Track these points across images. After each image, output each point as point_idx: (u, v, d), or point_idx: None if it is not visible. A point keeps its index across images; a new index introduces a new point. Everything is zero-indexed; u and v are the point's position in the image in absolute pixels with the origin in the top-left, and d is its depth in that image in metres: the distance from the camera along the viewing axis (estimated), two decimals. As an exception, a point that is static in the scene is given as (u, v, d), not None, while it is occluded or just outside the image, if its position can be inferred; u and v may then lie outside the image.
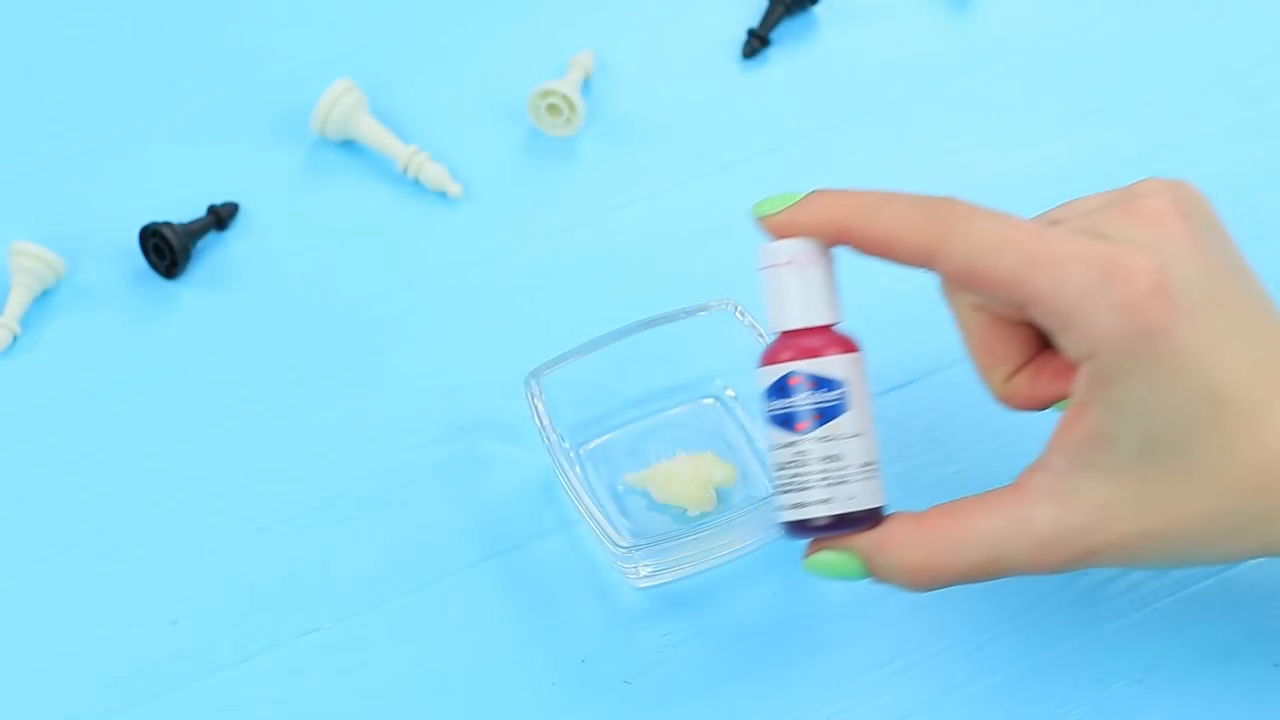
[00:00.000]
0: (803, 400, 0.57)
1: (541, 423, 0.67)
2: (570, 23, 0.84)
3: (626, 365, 0.69)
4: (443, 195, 0.79)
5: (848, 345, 0.58)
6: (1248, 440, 0.55)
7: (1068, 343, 0.56)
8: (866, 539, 0.58)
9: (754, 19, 0.83)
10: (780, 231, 0.58)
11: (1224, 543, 0.56)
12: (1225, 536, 0.56)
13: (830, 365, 0.57)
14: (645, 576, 0.66)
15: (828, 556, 0.58)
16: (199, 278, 0.77)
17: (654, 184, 0.79)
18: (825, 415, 0.57)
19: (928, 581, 0.57)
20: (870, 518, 0.57)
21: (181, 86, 0.83)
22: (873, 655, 0.65)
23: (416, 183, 0.79)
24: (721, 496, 0.68)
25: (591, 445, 0.70)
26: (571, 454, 0.69)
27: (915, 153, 0.80)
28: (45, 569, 0.69)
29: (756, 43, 0.82)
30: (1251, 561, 0.59)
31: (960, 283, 0.57)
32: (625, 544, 0.64)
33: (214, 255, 0.78)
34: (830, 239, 0.58)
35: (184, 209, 0.78)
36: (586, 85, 0.82)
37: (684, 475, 0.68)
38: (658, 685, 0.65)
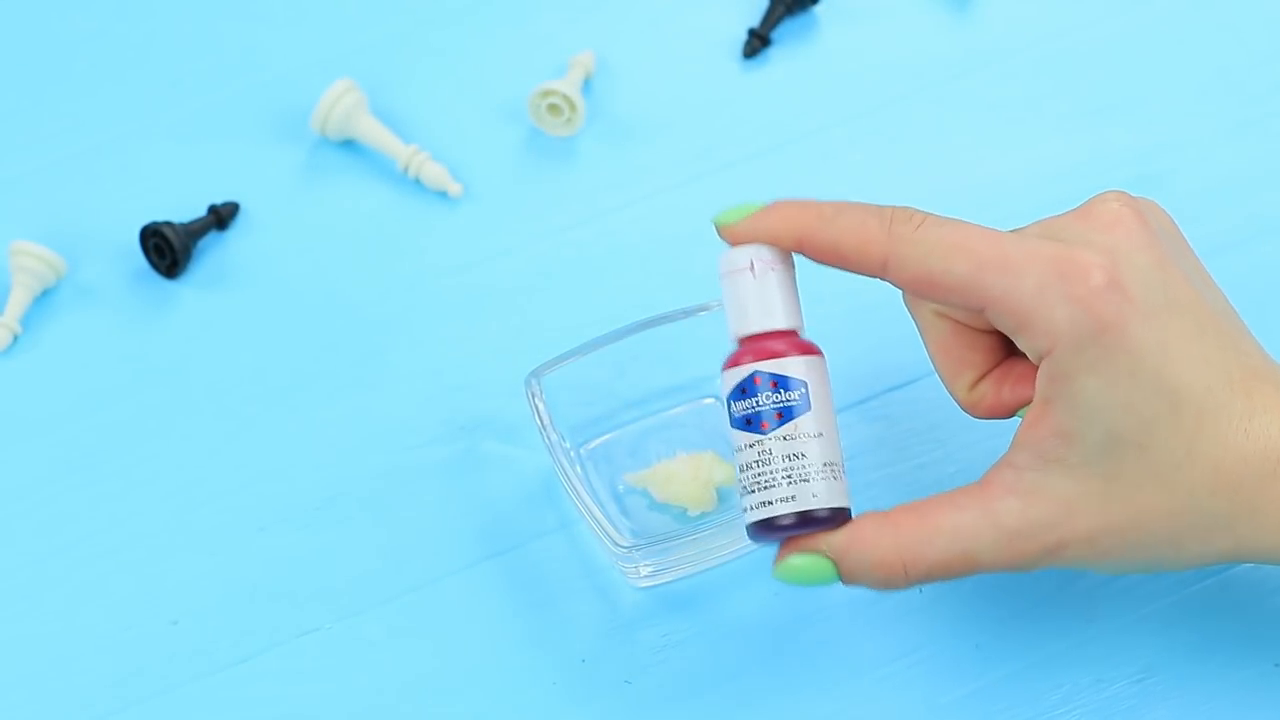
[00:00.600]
0: (766, 400, 0.57)
1: (541, 423, 0.67)
2: (570, 23, 0.84)
3: (626, 365, 0.69)
4: (443, 195, 0.79)
5: (809, 349, 0.58)
6: (1210, 439, 0.55)
7: (1026, 341, 0.56)
8: (836, 537, 0.57)
9: (754, 19, 0.83)
10: (739, 240, 0.58)
11: (1192, 542, 0.56)
12: (1192, 535, 0.56)
13: (792, 365, 0.58)
14: (645, 576, 0.66)
15: (798, 560, 0.57)
16: (199, 278, 0.77)
17: (654, 184, 0.79)
18: (787, 414, 0.57)
19: (901, 577, 0.57)
20: (835, 518, 0.57)
21: (181, 86, 0.83)
22: (873, 655, 0.65)
23: (416, 183, 0.79)
24: (722, 496, 0.68)
25: (592, 445, 0.70)
26: (572, 454, 0.69)
27: (915, 153, 0.79)
28: (45, 569, 0.69)
29: (757, 43, 0.82)
30: (1251, 562, 0.59)
31: (915, 290, 0.57)
32: (625, 544, 0.64)
33: (214, 255, 0.78)
34: (788, 247, 0.58)
35: (184, 209, 0.78)
36: (587, 85, 0.82)
37: (684, 475, 0.68)
38: (658, 685, 0.65)
